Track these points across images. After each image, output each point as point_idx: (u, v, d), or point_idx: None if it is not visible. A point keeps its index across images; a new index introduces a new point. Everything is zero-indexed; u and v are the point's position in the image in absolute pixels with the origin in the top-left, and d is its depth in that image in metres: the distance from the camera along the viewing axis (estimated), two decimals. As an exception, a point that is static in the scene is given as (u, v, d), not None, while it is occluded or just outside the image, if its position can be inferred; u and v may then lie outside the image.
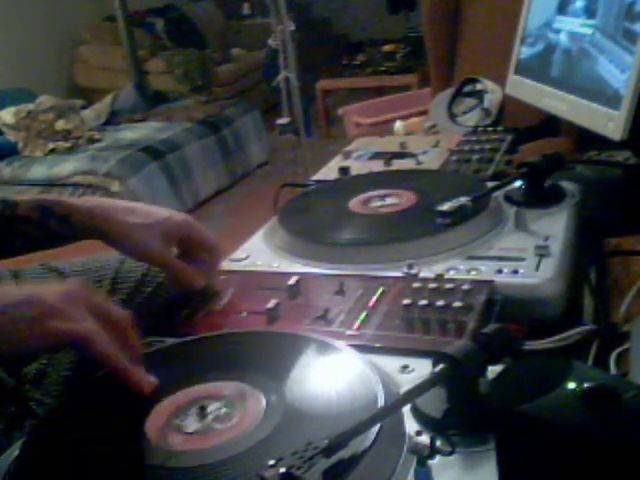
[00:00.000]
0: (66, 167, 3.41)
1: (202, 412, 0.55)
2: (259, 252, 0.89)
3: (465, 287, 0.70)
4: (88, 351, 0.57)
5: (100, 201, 0.77)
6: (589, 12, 1.05)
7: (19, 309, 0.57)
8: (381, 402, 0.52)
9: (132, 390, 0.58)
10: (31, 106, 3.66)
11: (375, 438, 0.48)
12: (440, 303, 0.68)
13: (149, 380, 0.58)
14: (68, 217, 0.74)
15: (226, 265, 0.85)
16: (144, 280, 0.88)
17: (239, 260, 0.87)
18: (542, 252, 0.77)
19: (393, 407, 0.51)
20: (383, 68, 4.93)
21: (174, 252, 0.78)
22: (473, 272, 0.76)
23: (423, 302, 0.69)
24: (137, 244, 0.74)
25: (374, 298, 0.72)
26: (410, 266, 0.77)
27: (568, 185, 0.95)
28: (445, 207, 0.84)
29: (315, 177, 1.18)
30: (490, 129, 1.29)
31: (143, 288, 0.88)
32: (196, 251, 0.78)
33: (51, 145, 3.58)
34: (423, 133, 1.48)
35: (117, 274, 0.89)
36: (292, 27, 3.38)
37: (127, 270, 0.90)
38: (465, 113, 1.45)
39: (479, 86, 1.44)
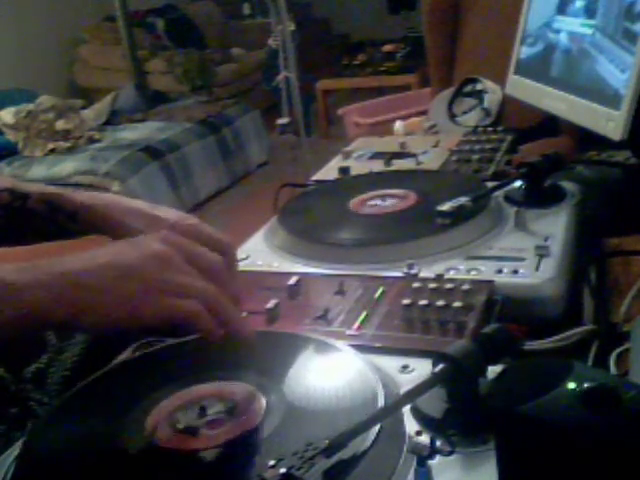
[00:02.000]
0: (66, 167, 3.41)
1: (202, 412, 0.55)
2: (259, 252, 0.89)
3: (465, 287, 0.70)
4: (191, 327, 0.55)
5: (108, 199, 0.76)
6: (589, 12, 1.05)
7: (126, 284, 0.54)
8: (381, 402, 0.52)
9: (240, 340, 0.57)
10: (31, 106, 3.67)
11: (375, 438, 0.48)
12: (440, 303, 0.68)
13: (251, 330, 0.58)
14: (75, 214, 0.74)
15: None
16: None
17: (239, 260, 0.87)
18: (542, 252, 0.77)
19: (393, 407, 0.51)
20: (383, 68, 4.94)
21: None
22: (473, 272, 0.76)
23: (423, 302, 0.69)
24: None
25: (374, 298, 0.72)
26: (410, 266, 0.77)
27: (568, 185, 0.95)
28: (445, 207, 0.84)
29: (315, 177, 1.18)
30: (490, 129, 1.29)
31: None
32: None
33: (51, 145, 3.58)
34: (423, 133, 1.48)
35: None
36: (292, 27, 3.38)
37: None
38: (465, 113, 1.45)
39: (479, 86, 1.44)
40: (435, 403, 0.52)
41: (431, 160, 1.17)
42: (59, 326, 0.54)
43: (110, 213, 0.74)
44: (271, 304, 0.72)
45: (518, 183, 0.94)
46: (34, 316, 0.52)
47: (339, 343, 0.63)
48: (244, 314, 0.73)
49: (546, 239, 0.80)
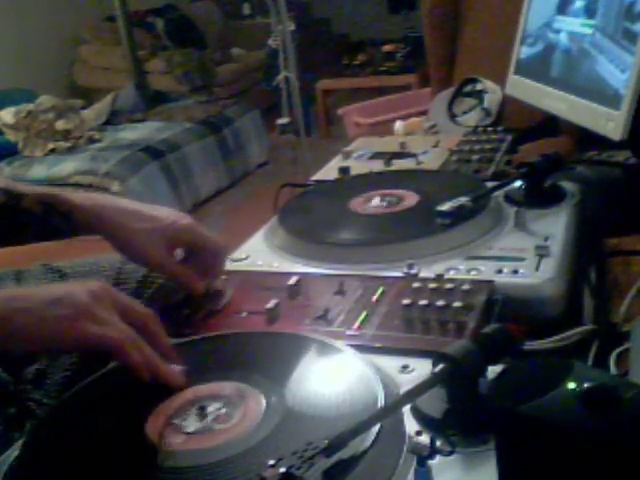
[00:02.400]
0: (66, 167, 3.41)
1: (202, 412, 0.55)
2: (259, 252, 0.89)
3: (465, 287, 0.70)
4: (118, 358, 0.58)
5: (103, 200, 0.77)
6: (589, 12, 1.05)
7: (51, 309, 0.58)
8: (381, 402, 0.52)
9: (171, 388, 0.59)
10: (31, 106, 3.66)
11: (375, 438, 0.48)
12: (440, 303, 0.68)
13: (179, 378, 0.59)
14: (69, 214, 0.74)
15: (226, 265, 0.85)
16: (146, 281, 0.88)
17: (239, 260, 0.87)
18: (542, 252, 0.77)
19: (393, 407, 0.51)
20: (383, 68, 4.93)
21: (179, 255, 0.79)
22: (473, 272, 0.76)
23: (423, 302, 0.69)
24: (138, 249, 0.75)
25: (374, 298, 0.72)
26: (410, 266, 0.77)
27: (568, 185, 0.95)
28: (445, 207, 0.84)
29: (315, 177, 1.18)
30: (490, 129, 1.29)
31: (145, 289, 0.88)
32: (201, 254, 0.78)
33: (51, 145, 3.58)
34: (423, 133, 1.48)
35: (119, 275, 0.89)
36: (292, 27, 3.38)
37: (129, 271, 0.90)
38: (465, 113, 1.45)
39: (479, 86, 1.44)
40: (435, 403, 0.52)
41: (431, 160, 1.17)
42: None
43: (105, 213, 0.74)
44: (271, 304, 0.72)
45: (518, 183, 0.94)
46: None
47: (339, 343, 0.63)
48: (244, 314, 0.73)
49: (546, 239, 0.80)
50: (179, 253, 0.79)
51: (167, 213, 0.77)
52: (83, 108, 4.03)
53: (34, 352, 0.63)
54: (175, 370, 0.60)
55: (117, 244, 0.76)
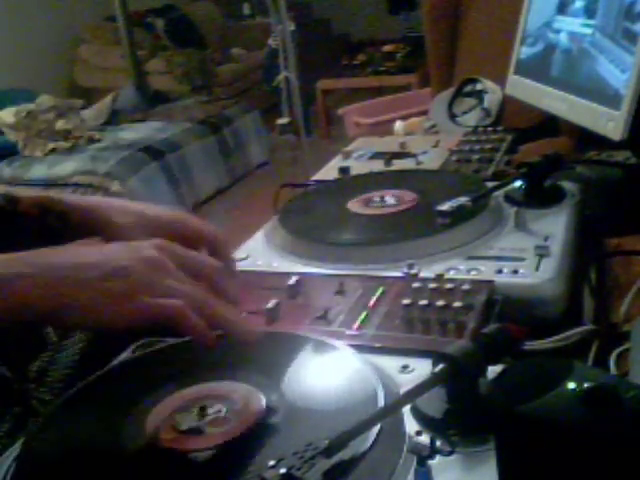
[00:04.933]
0: (66, 167, 3.41)
1: (202, 412, 0.55)
2: (259, 252, 0.89)
3: (465, 287, 0.70)
4: (180, 328, 0.54)
5: (97, 201, 0.77)
6: (589, 12, 1.05)
7: (110, 282, 0.54)
8: (381, 402, 0.52)
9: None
10: (31, 106, 3.67)
11: (375, 438, 0.48)
12: (440, 303, 0.68)
13: (251, 329, 0.57)
14: (66, 216, 0.74)
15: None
16: None
17: (239, 260, 0.87)
18: (542, 252, 0.77)
19: (393, 407, 0.51)
20: (383, 68, 4.94)
21: None
22: (473, 272, 0.76)
23: (423, 302, 0.69)
24: None
25: (374, 298, 0.72)
26: (410, 266, 0.77)
27: (568, 185, 0.95)
28: (445, 207, 0.84)
29: (315, 177, 1.18)
30: (490, 129, 1.29)
31: None
32: (199, 247, 0.78)
33: (51, 145, 3.58)
34: (423, 133, 1.48)
35: None
36: (292, 27, 3.38)
37: None
38: (465, 113, 1.45)
39: (479, 86, 1.44)
40: (435, 403, 0.52)
41: (431, 160, 1.17)
42: (44, 319, 0.55)
43: (101, 213, 0.74)
44: (271, 304, 0.72)
45: (518, 183, 0.94)
46: (21, 308, 0.52)
47: (339, 343, 0.63)
48: (243, 314, 0.73)
49: (546, 239, 0.80)
50: None
51: (156, 208, 0.77)
52: (83, 108, 4.03)
53: (93, 328, 0.58)
54: (245, 321, 0.57)
55: (105, 240, 0.74)
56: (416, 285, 0.72)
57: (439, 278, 0.73)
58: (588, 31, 1.04)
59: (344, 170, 1.14)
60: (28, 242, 0.78)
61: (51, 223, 0.75)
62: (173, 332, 0.56)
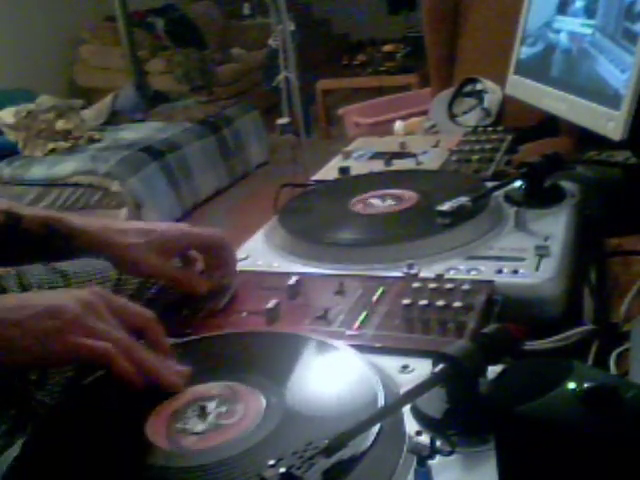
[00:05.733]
0: (66, 167, 3.41)
1: (202, 412, 0.55)
2: (259, 252, 0.89)
3: (465, 287, 0.70)
4: (109, 368, 0.57)
5: (101, 222, 0.79)
6: (589, 12, 1.05)
7: (41, 321, 0.57)
8: (381, 402, 0.52)
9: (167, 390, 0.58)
10: (31, 106, 3.66)
11: (375, 438, 0.48)
12: (440, 303, 0.68)
13: (176, 379, 0.59)
14: (70, 239, 0.76)
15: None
16: (147, 281, 0.89)
17: (239, 260, 0.87)
18: (542, 252, 0.77)
19: (393, 407, 0.51)
20: (383, 68, 4.93)
21: (199, 266, 0.81)
22: (473, 272, 0.76)
23: (423, 302, 0.69)
24: (132, 263, 0.77)
25: (374, 298, 0.72)
26: (410, 266, 0.77)
27: (568, 185, 0.95)
28: (445, 207, 0.84)
29: (315, 177, 1.18)
30: (490, 129, 1.29)
31: (146, 290, 0.88)
32: (207, 253, 0.80)
33: (51, 145, 3.58)
34: (423, 133, 1.48)
35: (121, 275, 0.90)
36: (292, 27, 3.38)
37: None
38: (465, 113, 1.45)
39: (479, 86, 1.44)
40: (435, 403, 0.52)
41: (431, 160, 1.17)
42: None
43: (102, 235, 0.77)
44: (271, 304, 0.72)
45: (518, 183, 0.94)
46: None
47: (339, 343, 0.63)
48: (244, 314, 0.73)
49: (546, 239, 0.80)
50: (199, 263, 0.81)
51: (157, 225, 0.81)
52: (83, 108, 4.03)
53: (24, 366, 0.61)
54: (173, 372, 0.59)
55: (117, 261, 0.79)
56: (416, 285, 0.72)
57: (439, 278, 0.73)
58: (588, 31, 1.04)
59: (344, 170, 1.14)
60: (31, 258, 0.80)
61: (56, 244, 0.76)
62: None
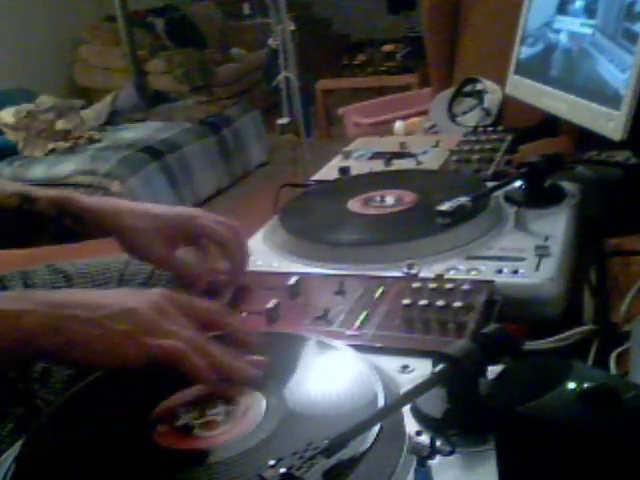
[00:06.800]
0: (66, 167, 3.40)
1: (202, 412, 0.55)
2: (259, 252, 0.89)
3: (465, 287, 0.70)
4: (181, 368, 0.55)
5: (112, 203, 0.79)
6: (589, 12, 1.05)
7: (118, 322, 0.55)
8: (381, 402, 0.52)
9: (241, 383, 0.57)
10: (31, 106, 3.66)
11: (375, 438, 0.48)
12: (440, 303, 0.68)
13: (249, 373, 0.57)
14: (81, 218, 0.76)
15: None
16: (148, 283, 0.89)
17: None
18: (542, 252, 0.77)
19: (393, 407, 0.51)
20: (383, 68, 4.93)
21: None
22: (473, 272, 0.76)
23: (423, 302, 0.69)
24: (141, 248, 0.77)
25: (374, 298, 0.72)
26: (410, 266, 0.77)
27: (568, 185, 0.95)
28: (445, 207, 0.84)
29: (315, 177, 1.18)
30: (490, 129, 1.29)
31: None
32: (217, 245, 0.80)
33: (51, 145, 3.57)
34: (423, 133, 1.48)
35: (122, 277, 0.90)
36: (292, 27, 3.38)
37: (131, 273, 0.90)
38: (465, 113, 1.45)
39: (479, 86, 1.44)
40: (435, 403, 0.52)
41: (431, 160, 1.17)
42: (51, 355, 0.56)
43: (115, 215, 0.76)
44: (271, 304, 0.72)
45: (518, 183, 0.94)
46: (28, 343, 0.53)
47: (339, 343, 0.63)
48: (244, 314, 0.73)
49: (546, 239, 0.80)
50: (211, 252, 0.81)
51: (171, 210, 0.80)
52: (83, 108, 4.03)
53: (97, 367, 0.58)
54: (245, 364, 0.58)
55: (125, 244, 0.78)
56: (416, 285, 0.72)
57: (439, 278, 0.73)
58: (588, 31, 1.04)
59: (344, 170, 1.14)
60: (46, 240, 0.80)
61: (67, 224, 0.76)
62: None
